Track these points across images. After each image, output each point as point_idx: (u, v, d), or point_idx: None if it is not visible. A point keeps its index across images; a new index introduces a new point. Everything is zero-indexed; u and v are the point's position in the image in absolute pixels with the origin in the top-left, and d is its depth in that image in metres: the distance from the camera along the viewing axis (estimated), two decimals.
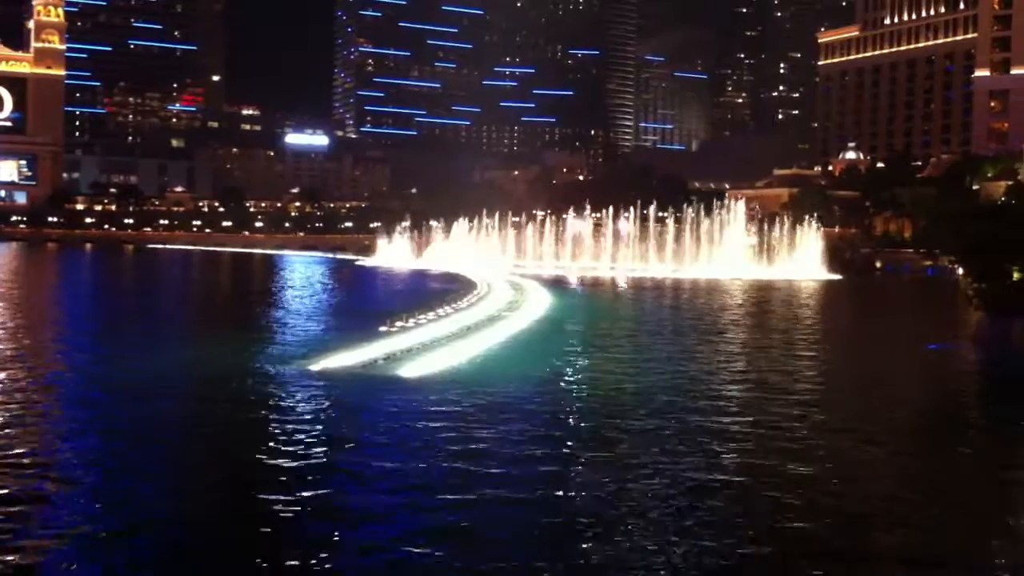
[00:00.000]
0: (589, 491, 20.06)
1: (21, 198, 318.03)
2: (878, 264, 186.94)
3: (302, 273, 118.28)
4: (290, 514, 17.80)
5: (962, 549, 17.92)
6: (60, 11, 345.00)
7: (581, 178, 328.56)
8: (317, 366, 34.33)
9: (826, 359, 46.81)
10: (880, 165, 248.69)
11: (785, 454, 23.69)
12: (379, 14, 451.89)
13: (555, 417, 27.80)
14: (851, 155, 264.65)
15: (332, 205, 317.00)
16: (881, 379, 40.00)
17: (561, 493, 19.98)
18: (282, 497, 18.68)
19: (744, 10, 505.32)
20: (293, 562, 15.45)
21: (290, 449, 22.63)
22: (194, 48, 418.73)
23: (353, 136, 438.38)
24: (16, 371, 33.24)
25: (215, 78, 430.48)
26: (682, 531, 17.48)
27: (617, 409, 29.31)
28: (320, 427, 25.07)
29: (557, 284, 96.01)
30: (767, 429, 26.94)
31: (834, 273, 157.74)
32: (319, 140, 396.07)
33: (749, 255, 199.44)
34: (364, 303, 67.87)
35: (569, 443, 24.61)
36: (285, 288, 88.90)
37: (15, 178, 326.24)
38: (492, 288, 71.31)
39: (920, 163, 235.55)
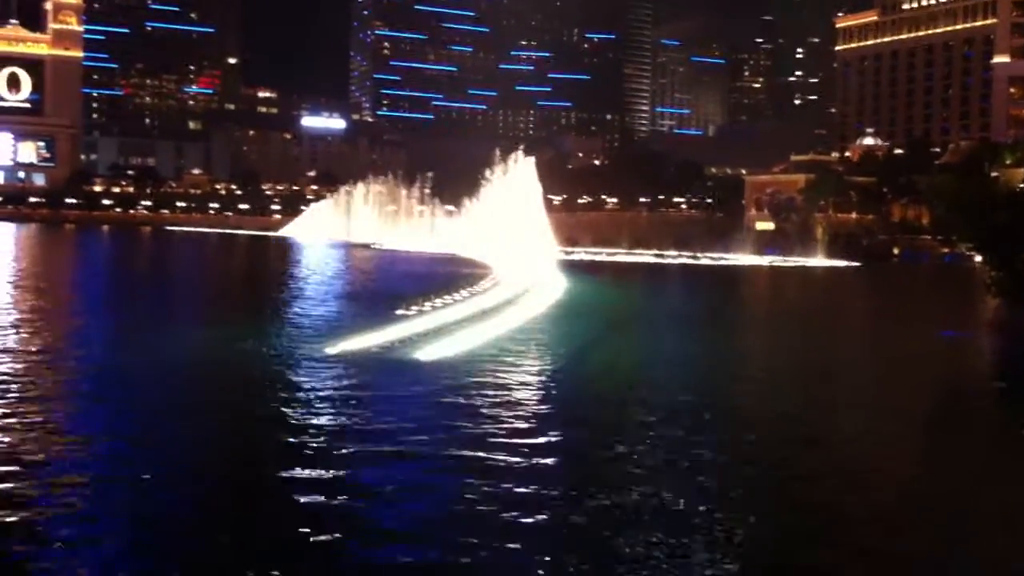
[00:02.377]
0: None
1: (40, 180, 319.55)
2: (895, 251, 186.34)
3: (319, 257, 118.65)
4: (308, 503, 17.99)
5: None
6: None
7: (597, 163, 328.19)
8: (335, 348, 34.53)
9: (837, 346, 46.83)
10: (898, 151, 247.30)
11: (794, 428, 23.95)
12: None
13: (570, 401, 27.96)
14: (869, 141, 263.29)
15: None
16: (893, 367, 39.97)
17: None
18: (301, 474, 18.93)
19: None
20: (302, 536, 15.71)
21: (308, 437, 22.86)
22: (211, 30, 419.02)
23: (369, 119, 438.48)
24: (28, 355, 33.59)
25: (232, 60, 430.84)
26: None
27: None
28: (336, 410, 25.27)
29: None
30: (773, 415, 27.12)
31: (851, 260, 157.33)
32: (335, 123, 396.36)
33: (765, 240, 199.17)
34: (383, 288, 68.03)
35: (591, 429, 24.73)
36: (302, 271, 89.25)
37: (34, 160, 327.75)
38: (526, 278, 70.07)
39: (938, 150, 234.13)
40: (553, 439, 23.06)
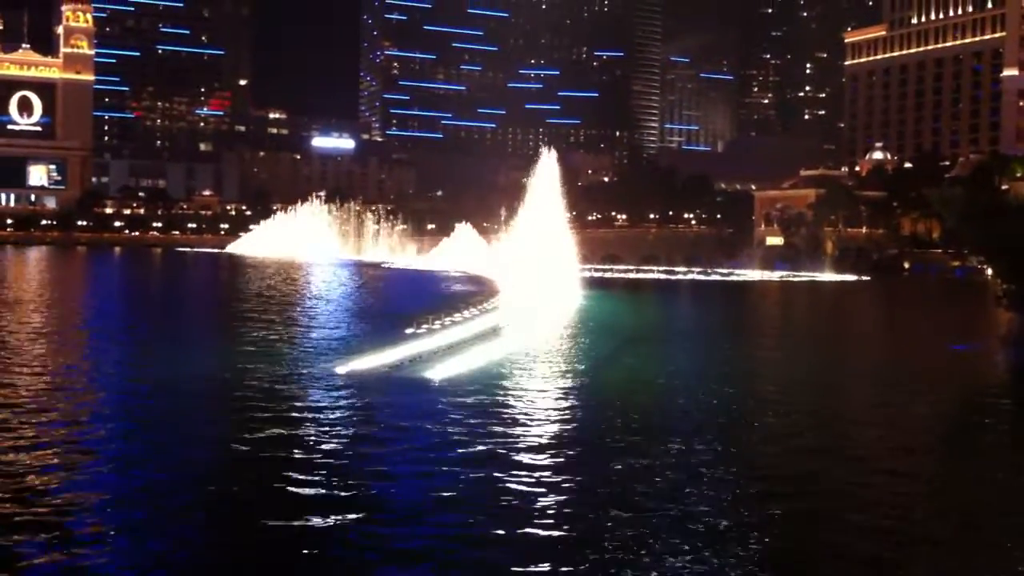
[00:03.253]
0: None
1: (51, 202, 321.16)
2: (906, 265, 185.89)
3: (328, 277, 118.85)
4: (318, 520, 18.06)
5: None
6: (89, 17, 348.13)
7: (606, 179, 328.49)
8: (344, 368, 34.57)
9: (849, 359, 46.76)
10: (907, 165, 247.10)
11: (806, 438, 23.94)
12: (404, 17, 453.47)
13: (586, 417, 27.95)
14: (878, 155, 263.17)
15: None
16: (903, 380, 39.89)
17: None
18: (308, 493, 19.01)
19: (769, 10, 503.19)
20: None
21: (320, 455, 22.93)
22: (221, 53, 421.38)
23: (379, 139, 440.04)
24: (44, 380, 33.75)
25: (242, 82, 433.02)
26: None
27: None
28: (346, 430, 25.35)
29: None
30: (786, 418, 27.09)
31: (861, 274, 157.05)
32: (345, 143, 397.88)
33: (775, 256, 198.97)
34: (394, 307, 68.06)
35: (605, 441, 24.75)
36: (312, 291, 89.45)
37: (45, 182, 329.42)
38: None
39: (948, 163, 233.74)
40: (567, 459, 23.03)
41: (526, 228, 58.38)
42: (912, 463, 24.20)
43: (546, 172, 70.60)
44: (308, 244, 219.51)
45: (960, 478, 23.07)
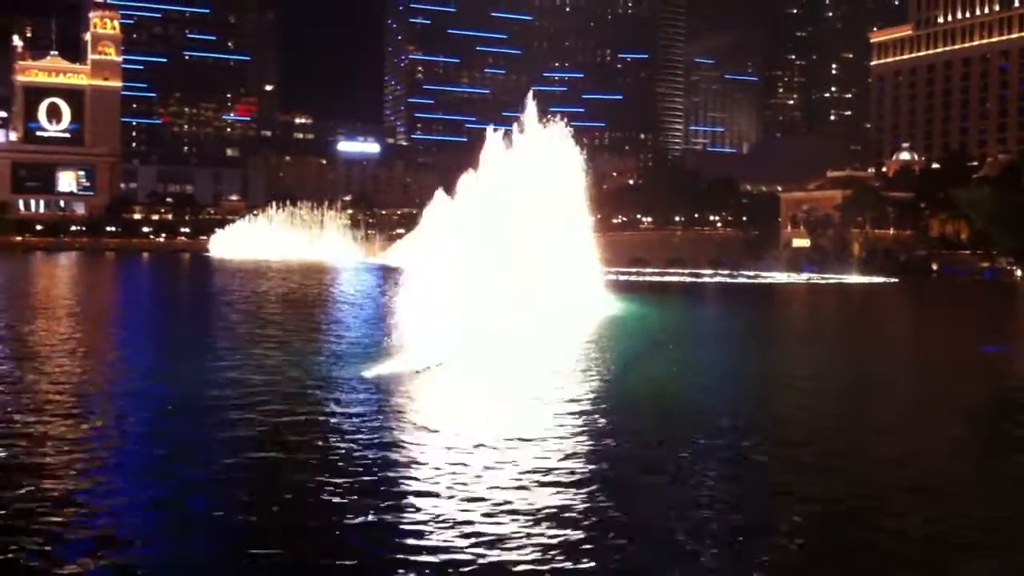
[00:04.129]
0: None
1: (80, 208, 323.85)
2: (934, 266, 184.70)
3: (356, 281, 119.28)
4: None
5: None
6: (116, 23, 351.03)
7: (631, 182, 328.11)
8: (370, 372, 34.66)
9: (877, 361, 46.53)
10: (935, 166, 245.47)
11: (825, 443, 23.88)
12: (428, 21, 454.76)
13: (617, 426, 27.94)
14: (905, 156, 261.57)
15: (384, 211, 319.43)
16: (930, 382, 39.66)
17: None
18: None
19: (795, 11, 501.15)
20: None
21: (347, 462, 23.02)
22: (247, 58, 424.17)
23: (404, 143, 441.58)
24: (76, 380, 34.05)
25: (268, 87, 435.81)
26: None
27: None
28: (373, 436, 25.43)
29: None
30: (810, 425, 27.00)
31: (888, 276, 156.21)
32: (370, 147, 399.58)
33: (801, 257, 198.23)
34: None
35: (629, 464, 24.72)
36: (338, 296, 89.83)
37: (74, 188, 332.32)
38: None
39: (976, 163, 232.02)
40: (598, 470, 23.02)
41: (547, 229, 57.78)
42: (941, 467, 24.06)
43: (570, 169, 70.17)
44: (330, 247, 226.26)
45: (994, 481, 22.93)
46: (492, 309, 39.24)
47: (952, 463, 24.71)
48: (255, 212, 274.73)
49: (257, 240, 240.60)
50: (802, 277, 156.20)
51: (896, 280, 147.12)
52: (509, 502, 19.04)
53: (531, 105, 57.52)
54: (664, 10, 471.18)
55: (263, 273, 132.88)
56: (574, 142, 69.75)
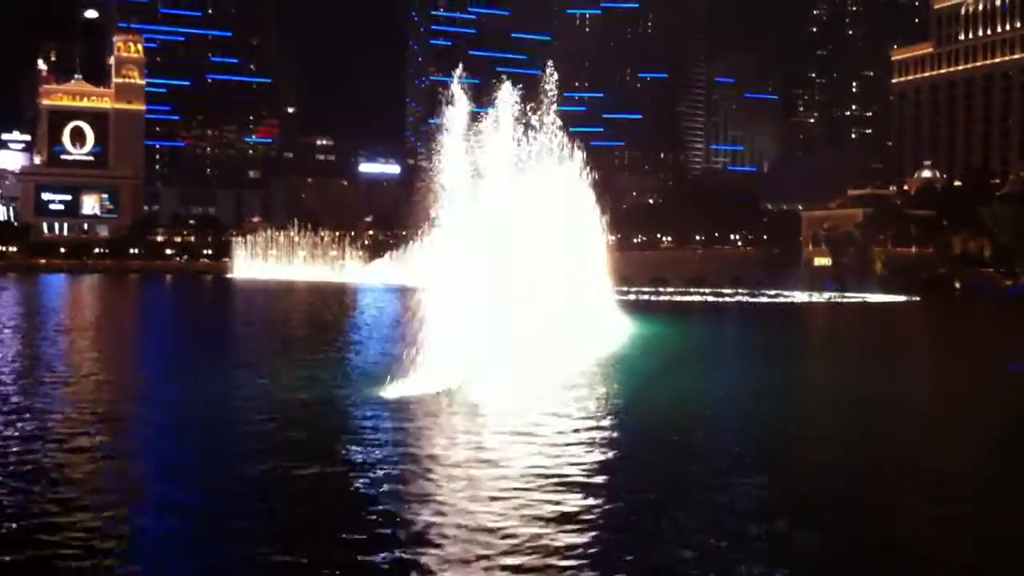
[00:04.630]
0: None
1: (103, 230, 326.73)
2: (957, 284, 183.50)
3: (379, 303, 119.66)
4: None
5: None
6: (140, 47, 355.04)
7: (651, 201, 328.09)
8: (392, 393, 34.66)
9: (901, 380, 46.28)
10: (957, 183, 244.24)
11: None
12: (449, 43, 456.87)
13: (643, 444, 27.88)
14: (927, 173, 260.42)
15: (404, 232, 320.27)
16: (957, 401, 39.40)
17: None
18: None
19: (814, 29, 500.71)
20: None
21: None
22: (269, 81, 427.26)
23: (424, 163, 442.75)
24: (98, 397, 34.32)
25: (290, 110, 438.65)
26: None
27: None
28: (393, 458, 25.48)
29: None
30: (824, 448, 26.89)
31: (911, 294, 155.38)
32: (391, 168, 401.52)
33: (823, 276, 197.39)
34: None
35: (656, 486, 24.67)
36: (358, 316, 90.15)
37: (97, 211, 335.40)
38: None
39: (998, 180, 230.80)
40: (623, 487, 22.96)
41: (562, 246, 56.87)
42: (966, 487, 23.90)
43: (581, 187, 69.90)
44: (350, 268, 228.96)
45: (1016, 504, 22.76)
46: (509, 329, 39.15)
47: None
48: (276, 233, 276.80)
49: (279, 261, 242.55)
50: (823, 296, 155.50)
51: (918, 298, 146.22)
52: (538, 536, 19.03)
53: (506, 90, 47.19)
54: (684, 30, 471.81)
55: (283, 294, 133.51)
56: (583, 153, 68.75)
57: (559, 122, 62.20)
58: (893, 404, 37.61)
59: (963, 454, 27.86)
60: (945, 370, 52.53)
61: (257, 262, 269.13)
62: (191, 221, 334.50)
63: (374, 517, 19.29)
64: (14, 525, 18.43)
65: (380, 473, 23.17)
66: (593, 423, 30.09)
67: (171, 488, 21.86)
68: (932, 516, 20.57)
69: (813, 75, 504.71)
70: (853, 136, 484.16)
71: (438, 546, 17.58)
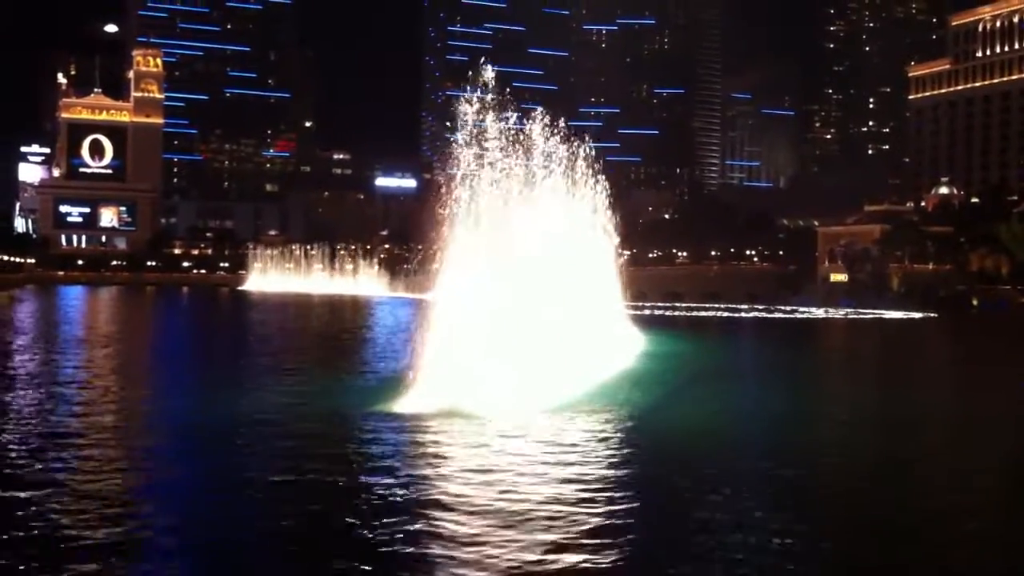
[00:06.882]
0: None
1: (121, 243, 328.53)
2: (974, 301, 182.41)
3: (391, 315, 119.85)
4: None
5: None
6: (159, 61, 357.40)
7: (667, 216, 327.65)
8: (399, 407, 34.58)
9: (918, 397, 46.04)
10: (974, 200, 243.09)
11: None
12: (466, 58, 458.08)
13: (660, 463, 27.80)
14: (944, 190, 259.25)
15: (420, 246, 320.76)
16: (974, 420, 39.14)
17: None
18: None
19: (831, 45, 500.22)
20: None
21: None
22: (287, 95, 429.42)
23: (440, 177, 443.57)
24: (112, 409, 34.43)
25: (307, 124, 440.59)
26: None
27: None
28: (399, 474, 25.47)
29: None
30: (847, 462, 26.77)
31: (928, 311, 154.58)
32: (407, 182, 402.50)
33: (839, 292, 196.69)
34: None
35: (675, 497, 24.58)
36: (371, 330, 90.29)
37: (115, 224, 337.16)
38: None
39: (1016, 197, 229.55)
40: (631, 505, 22.88)
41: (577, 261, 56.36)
42: (983, 505, 23.74)
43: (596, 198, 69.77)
44: (367, 282, 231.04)
45: None
46: (520, 343, 39.06)
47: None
48: (293, 247, 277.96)
49: (295, 274, 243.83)
50: (840, 312, 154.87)
51: (935, 315, 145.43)
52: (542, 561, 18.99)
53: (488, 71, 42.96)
54: (700, 45, 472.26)
55: (299, 307, 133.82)
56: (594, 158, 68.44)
57: (575, 139, 61.74)
58: (911, 420, 37.40)
59: (973, 465, 27.67)
60: (963, 388, 52.17)
61: (273, 275, 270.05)
62: (208, 234, 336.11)
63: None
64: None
65: (370, 496, 23.15)
66: (606, 448, 29.99)
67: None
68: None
69: (830, 91, 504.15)
70: (870, 152, 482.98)
71: None
